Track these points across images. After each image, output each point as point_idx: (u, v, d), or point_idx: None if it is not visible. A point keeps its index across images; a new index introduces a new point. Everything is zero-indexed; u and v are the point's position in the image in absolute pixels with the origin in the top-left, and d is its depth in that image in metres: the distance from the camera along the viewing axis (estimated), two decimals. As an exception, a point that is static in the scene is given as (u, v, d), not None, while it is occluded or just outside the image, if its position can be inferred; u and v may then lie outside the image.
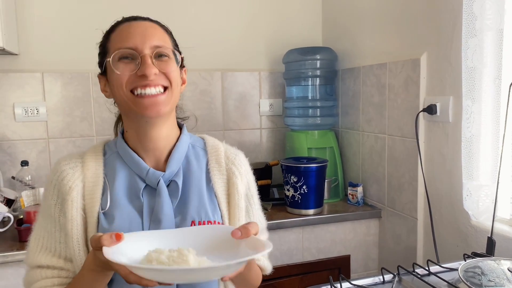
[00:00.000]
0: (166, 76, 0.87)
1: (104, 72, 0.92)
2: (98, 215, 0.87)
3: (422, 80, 1.65)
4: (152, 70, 0.84)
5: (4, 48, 1.75)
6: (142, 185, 0.90)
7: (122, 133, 0.96)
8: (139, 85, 0.85)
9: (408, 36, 1.74)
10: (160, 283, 0.71)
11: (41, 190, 1.75)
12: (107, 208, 0.88)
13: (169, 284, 0.73)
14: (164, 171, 0.91)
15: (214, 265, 0.69)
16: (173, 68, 0.89)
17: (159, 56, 0.87)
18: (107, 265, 0.73)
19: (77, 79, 2.08)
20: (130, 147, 0.93)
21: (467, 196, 1.42)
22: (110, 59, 0.87)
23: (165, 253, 0.74)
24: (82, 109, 2.10)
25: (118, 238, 0.72)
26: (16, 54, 1.98)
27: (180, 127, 1.00)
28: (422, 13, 1.64)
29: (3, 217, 1.66)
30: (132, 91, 0.86)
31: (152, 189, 0.90)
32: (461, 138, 1.43)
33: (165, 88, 0.88)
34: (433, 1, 1.58)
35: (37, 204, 1.72)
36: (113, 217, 0.87)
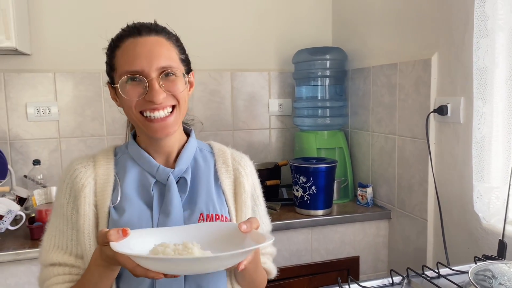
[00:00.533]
0: (174, 96, 0.89)
1: (112, 81, 0.94)
2: (109, 210, 0.90)
3: (433, 80, 1.64)
4: (160, 97, 0.86)
5: (16, 49, 1.77)
6: (152, 180, 0.93)
7: (134, 137, 0.99)
8: (148, 108, 0.88)
9: (419, 36, 1.72)
10: (166, 276, 0.73)
11: (53, 188, 1.77)
12: (117, 202, 0.90)
13: (175, 276, 0.75)
14: (174, 168, 0.94)
15: (219, 255, 0.70)
16: (180, 89, 0.90)
17: (166, 75, 0.88)
18: (114, 260, 0.75)
19: (88, 79, 2.10)
20: (141, 148, 0.96)
21: (477, 198, 1.41)
22: (118, 85, 0.88)
23: (170, 246, 0.76)
24: (93, 109, 2.12)
25: (125, 233, 0.75)
26: (29, 55, 2.00)
27: (188, 131, 1.03)
28: (433, 13, 1.63)
29: (15, 216, 1.68)
30: (141, 112, 0.89)
31: (161, 185, 0.93)
32: (472, 139, 1.41)
33: (173, 107, 0.90)
34: (444, 1, 1.57)
35: (49, 202, 1.75)
36: (123, 210, 0.89)
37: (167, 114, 0.89)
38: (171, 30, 0.95)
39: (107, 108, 2.13)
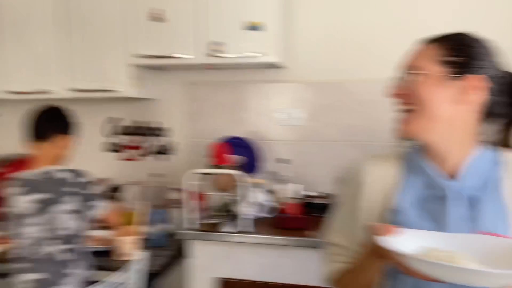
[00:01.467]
0: (413, 97, 0.89)
1: None
2: (386, 211, 0.94)
3: None
4: (394, 90, 0.92)
5: (275, 63, 2.03)
6: (432, 192, 0.91)
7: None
8: None
9: None
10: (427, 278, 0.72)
11: (290, 185, 2.00)
12: (395, 207, 0.92)
13: (437, 281, 0.72)
14: (457, 179, 0.89)
15: (501, 272, 0.63)
16: (420, 88, 0.88)
17: (408, 75, 0.90)
18: (378, 253, 0.79)
19: (329, 88, 2.25)
20: (424, 156, 0.95)
21: None
22: None
23: (444, 253, 0.72)
24: (332, 116, 2.26)
25: (392, 231, 0.78)
26: (284, 67, 2.25)
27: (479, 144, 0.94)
28: None
29: (269, 206, 1.95)
30: None
31: (441, 197, 0.90)
32: None
33: (413, 108, 0.90)
34: None
35: (293, 197, 1.97)
36: (398, 216, 0.91)
37: (405, 113, 0.91)
38: (454, 36, 0.91)
39: (344, 115, 2.24)
